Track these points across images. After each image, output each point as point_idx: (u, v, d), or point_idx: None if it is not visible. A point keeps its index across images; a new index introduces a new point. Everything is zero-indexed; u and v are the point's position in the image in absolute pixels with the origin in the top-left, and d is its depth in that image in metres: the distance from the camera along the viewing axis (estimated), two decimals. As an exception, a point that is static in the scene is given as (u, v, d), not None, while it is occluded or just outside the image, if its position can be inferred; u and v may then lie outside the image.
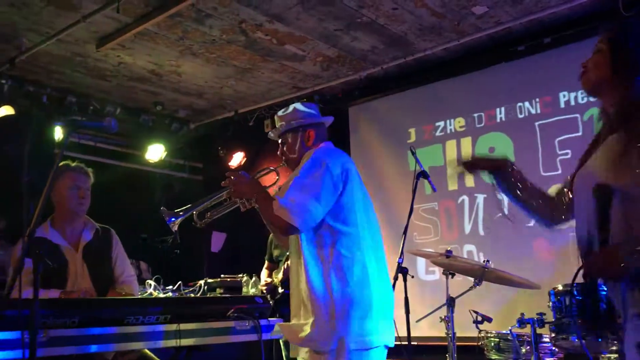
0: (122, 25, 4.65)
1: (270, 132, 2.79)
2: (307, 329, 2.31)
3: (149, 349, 3.06)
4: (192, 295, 4.30)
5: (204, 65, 5.53)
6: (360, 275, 2.34)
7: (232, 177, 2.53)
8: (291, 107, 2.70)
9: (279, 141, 2.72)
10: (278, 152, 2.73)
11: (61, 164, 3.31)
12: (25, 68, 5.40)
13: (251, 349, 3.22)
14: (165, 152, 6.89)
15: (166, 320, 2.75)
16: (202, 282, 4.34)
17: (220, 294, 4.21)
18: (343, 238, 2.36)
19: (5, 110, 5.53)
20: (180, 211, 2.52)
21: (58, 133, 5.69)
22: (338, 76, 5.87)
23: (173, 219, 2.46)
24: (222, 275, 4.57)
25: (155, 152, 6.83)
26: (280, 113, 2.72)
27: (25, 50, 4.97)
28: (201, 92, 6.25)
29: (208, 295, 3.60)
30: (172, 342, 2.75)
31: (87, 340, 2.40)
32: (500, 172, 2.06)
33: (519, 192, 2.04)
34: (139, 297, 3.15)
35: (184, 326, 2.78)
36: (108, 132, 2.38)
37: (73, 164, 3.33)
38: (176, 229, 2.43)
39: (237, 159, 6.98)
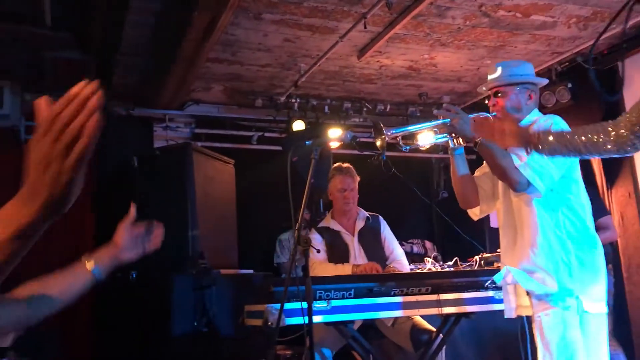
0: (374, 35, 5.22)
1: (489, 80, 2.68)
2: (547, 283, 2.40)
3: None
4: (469, 269, 4.64)
5: (455, 53, 5.79)
6: (591, 241, 2.44)
7: (453, 112, 2.57)
8: (520, 62, 2.67)
9: (494, 90, 2.65)
10: (490, 103, 2.68)
11: (334, 166, 4.03)
12: (307, 87, 6.40)
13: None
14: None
15: (427, 292, 3.18)
16: (477, 257, 4.65)
17: (497, 267, 4.46)
18: (572, 204, 2.45)
19: (299, 125, 6.63)
20: (394, 129, 2.79)
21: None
22: (599, 33, 5.50)
23: (389, 132, 2.73)
24: (498, 250, 4.80)
25: (427, 139, 7.28)
26: (506, 63, 2.66)
27: (304, 72, 5.92)
28: (459, 77, 6.51)
29: (462, 269, 3.91)
30: (434, 311, 3.17)
31: (360, 308, 2.97)
32: None
33: None
34: (403, 272, 3.64)
35: (443, 296, 3.18)
36: (345, 143, 2.91)
37: (343, 166, 3.98)
38: (385, 143, 2.70)
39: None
